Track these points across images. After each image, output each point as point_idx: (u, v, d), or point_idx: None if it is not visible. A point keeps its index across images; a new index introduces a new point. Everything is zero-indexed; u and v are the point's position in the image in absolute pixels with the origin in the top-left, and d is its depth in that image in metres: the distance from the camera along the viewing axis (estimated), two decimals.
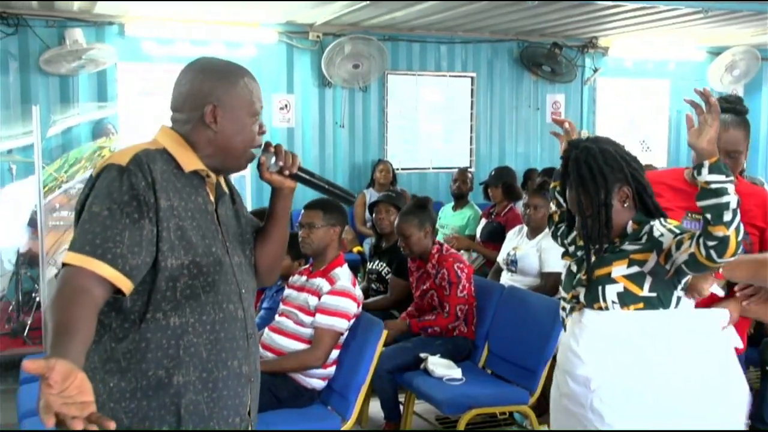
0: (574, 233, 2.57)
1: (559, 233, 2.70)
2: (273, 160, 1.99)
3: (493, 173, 6.45)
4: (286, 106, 7.85)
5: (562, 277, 2.58)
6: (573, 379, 2.40)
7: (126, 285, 1.71)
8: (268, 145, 1.99)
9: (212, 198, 1.95)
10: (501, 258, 5.20)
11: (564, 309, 2.51)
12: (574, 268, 2.48)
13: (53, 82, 7.06)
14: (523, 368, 4.03)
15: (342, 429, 3.51)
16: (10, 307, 5.81)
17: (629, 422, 2.31)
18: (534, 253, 4.93)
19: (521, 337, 4.10)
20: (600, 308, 2.35)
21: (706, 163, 2.12)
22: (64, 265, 1.72)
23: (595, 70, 9.07)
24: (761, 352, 4.14)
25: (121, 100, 7.27)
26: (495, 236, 5.79)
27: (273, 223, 2.09)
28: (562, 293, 2.53)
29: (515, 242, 5.13)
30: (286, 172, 2.01)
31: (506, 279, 5.02)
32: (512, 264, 5.02)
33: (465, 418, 3.86)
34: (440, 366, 4.10)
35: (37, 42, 6.95)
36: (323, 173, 7.71)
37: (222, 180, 2.01)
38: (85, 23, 7.05)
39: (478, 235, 6.12)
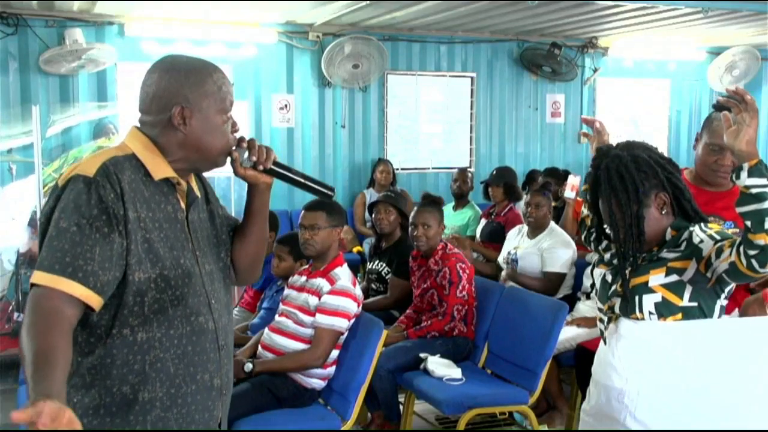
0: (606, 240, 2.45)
1: (591, 239, 2.57)
2: (246, 155, 1.92)
3: (494, 173, 6.44)
4: (285, 106, 7.85)
5: (596, 285, 2.44)
6: (607, 392, 2.28)
7: (97, 302, 1.67)
8: (241, 140, 1.92)
9: (183, 205, 1.87)
10: (501, 258, 5.21)
11: (602, 321, 2.36)
12: (609, 278, 2.34)
13: (53, 82, 7.06)
14: (522, 368, 4.03)
15: (342, 429, 3.51)
16: (10, 307, 5.81)
17: None
18: (535, 252, 4.93)
19: (521, 337, 4.09)
20: (636, 319, 2.21)
21: (746, 166, 1.97)
22: (32, 285, 1.65)
23: (595, 70, 9.06)
24: None
25: (121, 100, 7.26)
26: (495, 236, 5.79)
27: (250, 220, 2.01)
28: (598, 304, 2.39)
29: (516, 242, 5.13)
30: (260, 167, 1.92)
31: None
32: (513, 263, 5.02)
33: (465, 418, 3.86)
34: (440, 366, 4.10)
35: (36, 42, 6.94)
36: (323, 173, 7.82)
37: (194, 182, 1.94)
38: (84, 23, 7.04)
39: (478, 235, 6.12)
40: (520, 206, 5.76)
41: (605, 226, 2.42)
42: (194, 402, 1.83)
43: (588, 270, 4.72)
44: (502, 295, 4.42)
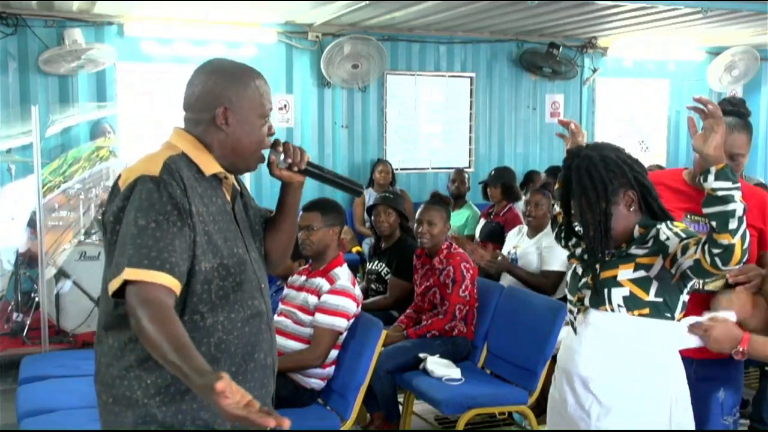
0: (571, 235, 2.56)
1: (562, 235, 2.68)
2: (282, 157, 2.05)
3: (492, 173, 6.45)
4: (285, 106, 7.85)
5: (567, 278, 2.57)
6: (573, 379, 2.40)
7: (178, 289, 1.80)
8: (276, 143, 2.05)
9: (228, 198, 2.01)
10: (505, 255, 5.21)
11: (571, 312, 2.50)
12: (579, 271, 2.47)
13: (52, 82, 7.05)
14: (522, 368, 4.03)
15: (341, 429, 3.51)
16: (9, 307, 5.81)
17: (624, 424, 2.31)
18: (534, 251, 4.93)
19: (520, 337, 4.09)
20: (605, 310, 2.34)
21: (713, 170, 2.10)
22: (126, 282, 1.75)
23: (594, 70, 9.07)
24: None
25: (121, 100, 7.27)
26: (494, 236, 5.79)
27: (283, 215, 2.16)
28: (569, 296, 2.52)
29: (515, 241, 5.13)
30: (295, 168, 2.06)
31: (507, 279, 5.01)
32: (513, 263, 5.02)
33: (464, 418, 3.86)
34: (439, 366, 4.10)
35: (36, 42, 6.94)
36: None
37: (232, 176, 2.06)
38: (84, 23, 7.04)
39: (477, 235, 6.12)
40: (520, 206, 5.76)
41: (574, 223, 2.54)
42: (253, 379, 1.98)
43: None
44: (502, 295, 4.42)
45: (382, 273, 4.97)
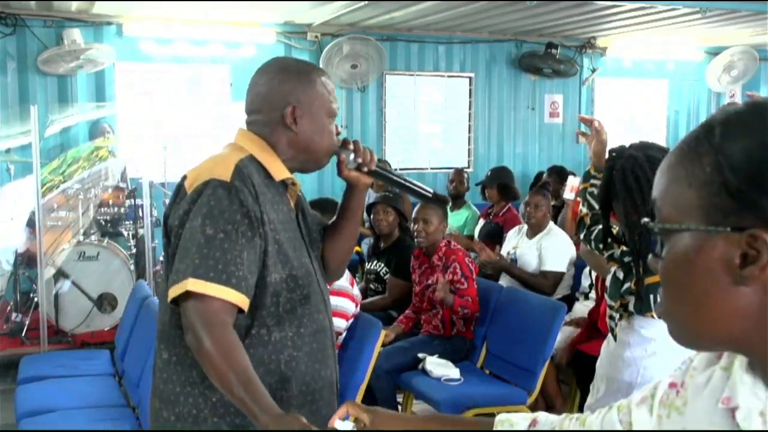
0: (619, 234, 2.46)
1: (592, 237, 2.58)
2: (351, 156, 1.96)
3: (489, 174, 6.45)
4: None
5: (607, 282, 2.44)
6: (616, 386, 2.32)
7: (246, 305, 1.71)
8: (346, 142, 1.97)
9: (293, 205, 1.93)
10: (503, 256, 5.21)
11: (612, 318, 2.39)
12: (621, 275, 2.36)
13: (51, 82, 7.05)
14: (521, 368, 4.03)
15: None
16: (8, 308, 5.81)
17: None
18: (533, 251, 4.93)
19: (520, 337, 4.09)
20: (651, 317, 2.25)
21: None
22: (188, 292, 1.66)
23: (594, 71, 9.07)
24: None
25: (120, 100, 7.27)
26: (493, 236, 5.79)
27: (346, 218, 2.07)
28: (609, 301, 2.41)
29: (515, 241, 5.13)
30: (365, 169, 1.97)
31: (506, 279, 5.02)
32: (512, 263, 5.02)
33: None
34: (438, 366, 4.10)
35: (35, 42, 6.94)
36: (322, 173, 7.80)
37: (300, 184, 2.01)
38: (83, 23, 7.04)
39: (476, 235, 6.12)
40: (520, 206, 5.76)
41: (613, 226, 2.44)
42: (321, 398, 1.89)
43: (586, 270, 4.72)
44: (501, 296, 4.42)
45: (381, 273, 4.97)
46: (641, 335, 2.28)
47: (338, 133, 1.97)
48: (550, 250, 4.87)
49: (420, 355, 4.18)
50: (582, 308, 4.68)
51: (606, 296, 2.46)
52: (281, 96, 1.85)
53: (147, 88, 7.39)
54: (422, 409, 4.54)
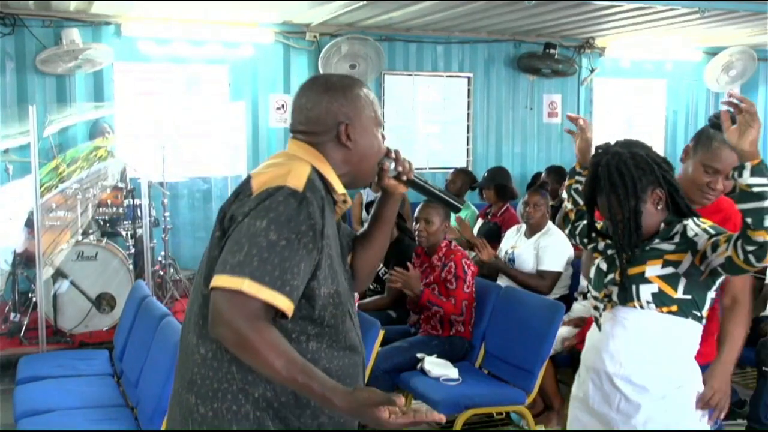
0: (603, 229, 2.52)
1: (577, 231, 2.66)
2: (392, 165, 2.02)
3: (486, 174, 6.46)
4: (282, 106, 7.85)
5: (591, 273, 2.52)
6: (600, 376, 2.39)
7: (291, 312, 1.72)
8: (388, 151, 2.02)
9: (335, 221, 1.95)
10: (499, 257, 5.21)
11: (596, 308, 2.46)
12: (604, 267, 2.44)
13: (50, 82, 7.05)
14: (519, 368, 4.04)
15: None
16: (7, 308, 5.81)
17: (655, 423, 2.30)
18: (531, 251, 4.93)
19: (518, 337, 4.10)
20: (633, 307, 2.32)
21: (748, 165, 2.04)
22: (238, 291, 1.66)
23: (592, 71, 9.07)
24: (758, 352, 4.14)
25: (118, 100, 7.27)
26: (491, 236, 5.79)
27: (379, 227, 2.11)
28: (593, 292, 2.48)
29: (513, 241, 5.13)
30: (404, 178, 2.03)
31: (504, 279, 5.02)
32: (510, 262, 5.02)
33: (461, 418, 3.86)
34: (437, 366, 4.10)
35: (33, 42, 6.94)
36: None
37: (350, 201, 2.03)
38: (81, 23, 7.04)
39: (475, 235, 6.11)
40: (519, 205, 5.75)
41: (596, 221, 2.52)
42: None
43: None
44: (499, 296, 4.42)
45: (380, 273, 4.97)
46: (624, 325, 2.34)
47: (384, 139, 2.02)
48: (547, 249, 4.87)
49: (418, 355, 4.18)
50: (580, 308, 4.68)
51: (590, 287, 2.52)
52: (332, 116, 1.89)
53: (145, 89, 7.39)
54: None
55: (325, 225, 1.79)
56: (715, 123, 2.21)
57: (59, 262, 5.56)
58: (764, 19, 7.30)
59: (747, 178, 2.04)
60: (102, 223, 6.31)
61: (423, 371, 4.10)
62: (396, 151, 2.03)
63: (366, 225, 2.14)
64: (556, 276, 4.87)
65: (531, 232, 5.02)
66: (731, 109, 2.11)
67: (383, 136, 2.01)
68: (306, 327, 1.80)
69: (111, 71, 7.23)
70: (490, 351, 4.31)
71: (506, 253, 5.10)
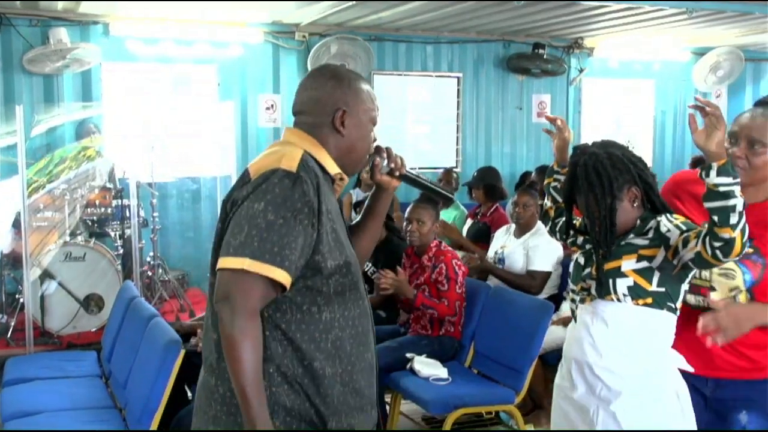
0: (579, 225, 2.61)
1: (557, 228, 2.74)
2: (385, 162, 2.17)
3: (475, 174, 6.46)
4: (272, 106, 7.84)
5: (570, 268, 2.62)
6: (581, 367, 2.46)
7: (289, 284, 1.85)
8: (379, 148, 2.16)
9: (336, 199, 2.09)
10: (489, 257, 5.21)
11: (573, 301, 2.55)
12: (582, 261, 2.53)
13: (37, 82, 7.01)
14: (509, 368, 4.04)
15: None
16: None
17: (635, 415, 2.36)
18: (521, 251, 4.94)
19: (507, 336, 4.10)
20: (611, 300, 2.40)
21: (715, 166, 2.13)
22: (241, 269, 1.80)
23: (581, 71, 9.10)
24: None
25: (106, 100, 7.23)
26: (481, 236, 5.80)
27: (372, 218, 2.26)
28: (571, 285, 2.57)
29: (503, 241, 5.14)
30: (397, 173, 2.20)
31: (494, 278, 5.02)
32: (500, 262, 5.03)
33: (451, 417, 3.86)
34: (426, 366, 4.10)
35: (20, 41, 6.90)
36: None
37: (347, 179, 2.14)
38: (69, 23, 7.00)
39: (464, 235, 6.12)
40: (508, 205, 5.76)
41: (575, 219, 2.61)
42: (363, 378, 2.01)
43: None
44: (489, 295, 4.42)
45: (369, 272, 4.96)
46: (602, 318, 2.41)
47: (374, 140, 2.14)
48: (537, 249, 4.88)
49: (408, 355, 4.18)
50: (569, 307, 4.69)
51: (569, 280, 2.60)
52: (332, 100, 2.01)
53: (134, 88, 7.36)
54: (410, 409, 4.54)
55: (322, 201, 1.90)
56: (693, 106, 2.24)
57: (47, 263, 5.54)
58: (751, 20, 7.34)
59: (714, 178, 2.13)
60: (90, 223, 6.28)
61: (413, 371, 4.10)
62: (388, 148, 2.16)
63: (359, 217, 2.27)
64: (546, 276, 4.88)
65: (520, 232, 5.03)
66: (698, 113, 2.20)
67: (374, 137, 2.12)
68: (315, 298, 1.91)
69: (99, 71, 7.20)
70: (480, 350, 4.32)
71: (496, 253, 5.10)
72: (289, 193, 1.84)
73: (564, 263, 4.97)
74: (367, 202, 2.27)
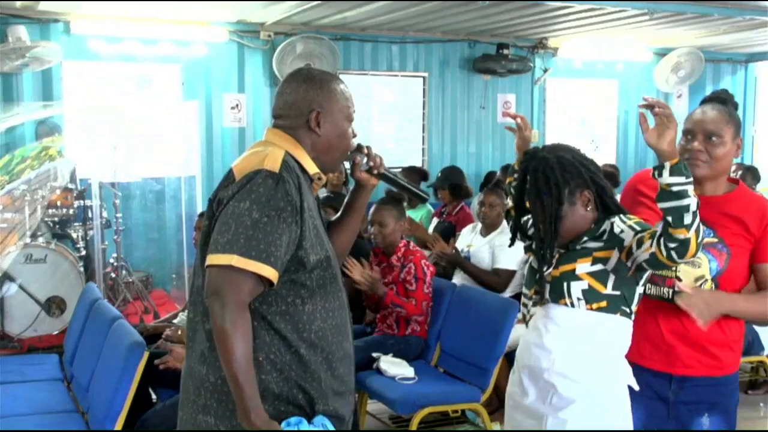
0: (531, 230, 2.56)
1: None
2: (365, 160, 2.24)
3: (439, 175, 6.48)
4: (237, 105, 7.78)
5: (524, 272, 2.59)
6: (534, 373, 2.41)
7: (276, 279, 1.95)
8: (360, 146, 2.24)
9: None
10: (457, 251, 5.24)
11: (525, 305, 2.50)
12: (536, 265, 2.48)
13: None
14: (474, 366, 4.06)
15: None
16: None
17: (586, 424, 2.32)
18: (486, 249, 4.97)
19: (473, 335, 4.12)
20: (564, 304, 2.36)
21: (667, 165, 2.10)
22: (230, 266, 1.89)
23: (545, 71, 9.17)
24: None
25: (67, 99, 7.12)
26: (446, 235, 5.82)
27: (351, 215, 2.34)
28: (524, 290, 2.53)
29: (469, 239, 5.16)
30: (375, 171, 2.26)
31: (459, 277, 5.05)
32: (466, 260, 5.05)
33: (418, 416, 3.87)
34: (393, 365, 4.11)
35: None
36: None
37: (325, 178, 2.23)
38: (28, 20, 6.88)
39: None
40: (474, 204, 5.79)
41: (522, 220, 2.59)
42: (343, 366, 2.13)
43: None
44: (454, 294, 4.44)
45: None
46: (556, 322, 2.37)
47: (354, 137, 2.22)
48: (502, 248, 4.90)
49: (374, 355, 4.18)
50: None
51: (523, 285, 2.57)
52: (306, 102, 2.10)
53: (96, 88, 7.26)
54: (377, 408, 4.54)
55: (304, 200, 2.00)
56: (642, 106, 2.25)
57: (7, 265, 5.44)
58: (710, 22, 7.46)
59: (666, 178, 2.10)
60: (51, 224, 6.18)
61: (379, 370, 4.10)
62: (368, 147, 2.25)
63: (339, 213, 2.34)
64: (511, 274, 4.91)
65: (486, 230, 5.06)
66: (648, 112, 2.18)
67: (354, 134, 2.21)
68: (299, 291, 2.02)
69: (60, 70, 7.08)
70: (446, 349, 4.33)
71: (462, 251, 5.13)
72: (273, 193, 1.93)
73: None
74: (347, 198, 2.34)
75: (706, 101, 2.54)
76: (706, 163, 2.43)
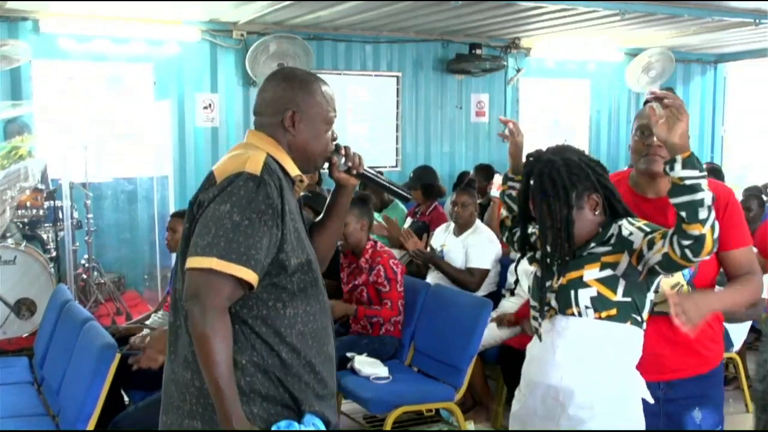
0: (534, 239, 2.45)
1: (514, 238, 2.58)
2: (342, 160, 2.20)
3: (411, 176, 6.50)
4: (209, 105, 7.74)
5: (529, 283, 2.45)
6: (541, 391, 2.29)
7: (256, 283, 1.93)
8: (338, 147, 2.20)
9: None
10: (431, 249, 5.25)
11: (535, 318, 2.36)
12: (540, 274, 2.35)
13: None
14: (448, 365, 4.07)
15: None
16: None
17: None
18: (460, 249, 4.99)
19: (447, 334, 4.13)
20: (572, 314, 2.24)
21: (679, 158, 2.01)
22: (210, 269, 1.87)
23: (518, 70, 9.22)
24: None
25: (37, 98, 7.03)
26: (420, 235, 5.82)
27: (333, 216, 2.31)
28: (532, 302, 2.40)
29: (442, 239, 5.18)
30: (354, 172, 2.22)
31: (433, 276, 5.06)
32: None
33: (392, 416, 3.87)
34: (367, 365, 4.11)
35: None
36: None
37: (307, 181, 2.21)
38: None
39: None
40: (447, 204, 5.81)
41: (529, 228, 2.45)
42: (324, 370, 2.09)
43: (512, 267, 4.80)
44: (428, 294, 4.45)
45: None
46: (563, 335, 2.25)
47: (334, 139, 2.18)
48: (476, 247, 4.93)
49: (348, 355, 4.18)
50: (508, 305, 4.75)
51: (529, 296, 2.45)
52: (283, 102, 2.07)
53: (66, 87, 7.18)
54: (351, 408, 4.54)
55: (285, 203, 1.97)
56: (646, 102, 2.17)
57: None
58: (681, 22, 7.55)
59: (679, 171, 2.01)
60: (21, 225, 6.11)
61: (353, 370, 4.10)
62: (346, 148, 2.20)
63: (321, 215, 2.31)
64: (485, 273, 4.94)
65: (460, 230, 5.08)
66: (657, 105, 2.08)
67: (334, 137, 2.17)
68: (280, 295, 2.00)
69: (29, 69, 6.99)
70: (420, 349, 4.34)
71: (436, 251, 5.14)
72: (254, 196, 1.91)
73: (503, 261, 5.03)
74: (329, 199, 2.32)
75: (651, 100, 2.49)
76: (664, 158, 2.38)
